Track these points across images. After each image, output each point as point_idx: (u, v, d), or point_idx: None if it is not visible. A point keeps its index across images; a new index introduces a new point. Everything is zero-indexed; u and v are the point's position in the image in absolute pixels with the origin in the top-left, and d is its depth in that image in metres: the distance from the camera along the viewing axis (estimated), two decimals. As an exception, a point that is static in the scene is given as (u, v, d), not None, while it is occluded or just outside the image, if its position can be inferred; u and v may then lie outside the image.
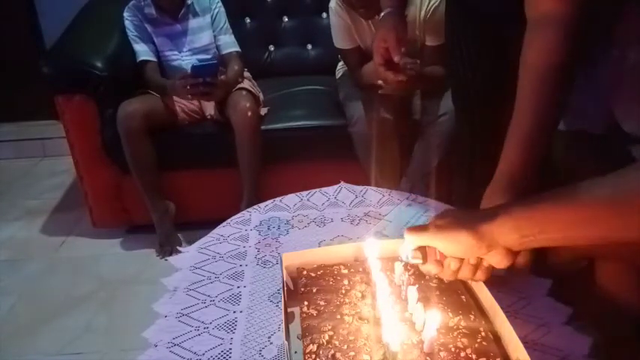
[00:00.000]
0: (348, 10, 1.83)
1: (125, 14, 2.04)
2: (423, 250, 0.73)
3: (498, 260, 0.68)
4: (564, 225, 0.61)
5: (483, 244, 0.66)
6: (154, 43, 2.05)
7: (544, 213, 0.63)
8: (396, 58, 1.21)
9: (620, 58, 0.83)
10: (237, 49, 2.14)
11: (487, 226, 0.66)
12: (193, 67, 1.87)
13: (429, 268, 0.73)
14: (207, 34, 2.10)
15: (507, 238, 0.65)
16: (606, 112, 0.88)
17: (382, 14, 1.27)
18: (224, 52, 2.11)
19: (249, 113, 1.90)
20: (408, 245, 0.73)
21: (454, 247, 0.69)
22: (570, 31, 0.83)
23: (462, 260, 0.71)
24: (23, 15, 2.74)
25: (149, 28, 2.04)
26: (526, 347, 0.63)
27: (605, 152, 0.90)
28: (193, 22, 2.07)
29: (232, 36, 2.15)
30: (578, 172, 0.90)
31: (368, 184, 1.18)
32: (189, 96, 1.89)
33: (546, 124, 0.85)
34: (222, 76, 1.95)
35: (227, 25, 2.14)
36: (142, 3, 2.03)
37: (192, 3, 2.06)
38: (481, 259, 0.70)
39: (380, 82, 1.55)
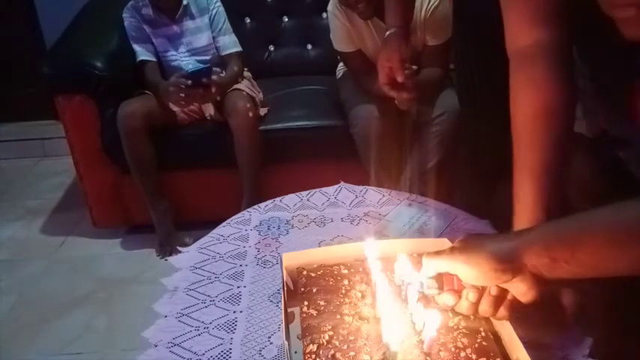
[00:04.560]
0: (347, 14, 1.83)
1: (124, 15, 2.04)
2: (440, 278, 0.65)
3: (524, 291, 0.59)
4: (598, 248, 0.56)
5: (508, 268, 0.58)
6: (152, 43, 2.05)
7: (577, 232, 0.57)
8: (399, 79, 1.25)
9: (599, 65, 0.82)
10: (238, 49, 2.11)
11: (513, 246, 0.58)
12: (189, 74, 1.87)
13: (445, 299, 0.65)
14: (206, 35, 2.08)
15: (536, 261, 0.57)
16: (594, 116, 0.89)
17: (387, 34, 1.31)
18: (224, 53, 2.09)
19: (247, 114, 1.89)
20: (424, 273, 0.66)
21: (474, 272, 0.60)
22: (556, 61, 0.75)
23: (481, 291, 0.63)
24: (23, 15, 2.74)
25: (147, 28, 2.03)
26: (526, 347, 0.62)
27: (596, 154, 0.90)
28: (190, 23, 2.05)
29: (233, 35, 2.12)
30: (571, 173, 0.90)
31: (368, 184, 1.18)
32: (183, 102, 1.89)
33: (555, 164, 0.74)
34: (214, 76, 1.93)
35: (226, 25, 2.11)
36: (140, 3, 2.02)
37: (189, 4, 2.03)
38: (504, 291, 0.61)
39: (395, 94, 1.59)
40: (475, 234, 0.67)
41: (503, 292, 0.61)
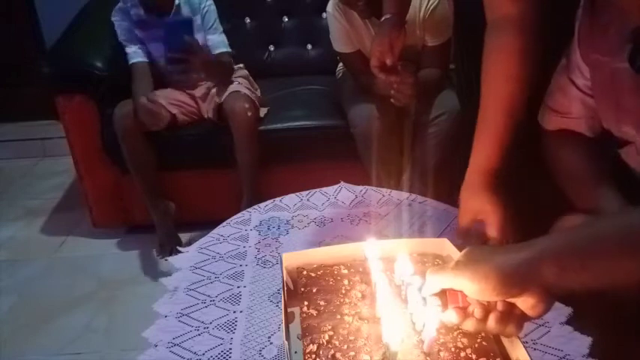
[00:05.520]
0: (346, 14, 1.83)
1: (113, 18, 1.97)
2: (443, 294, 0.62)
3: (532, 305, 0.56)
4: (609, 255, 0.54)
5: (516, 281, 0.55)
6: (144, 44, 1.99)
7: (587, 241, 0.55)
8: (388, 62, 1.30)
9: (599, 65, 0.82)
10: (228, 49, 2.05)
11: (522, 258, 0.56)
12: (168, 25, 1.82)
13: (450, 317, 0.61)
14: (200, 36, 2.00)
15: (545, 272, 0.54)
16: (593, 115, 0.89)
17: (381, 20, 1.34)
18: (214, 52, 2.03)
19: (246, 115, 1.88)
20: (427, 289, 0.63)
21: (479, 287, 0.57)
22: (528, 37, 0.84)
23: (488, 307, 0.60)
24: (23, 15, 2.74)
25: (139, 33, 1.97)
26: (526, 347, 0.62)
27: (596, 154, 0.90)
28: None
29: (222, 35, 2.05)
30: (570, 173, 0.90)
31: (369, 184, 1.18)
32: (160, 123, 1.85)
33: (513, 124, 0.86)
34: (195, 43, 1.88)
35: (216, 24, 2.05)
36: (129, 4, 1.96)
37: (180, 4, 1.97)
38: (512, 306, 0.59)
39: (392, 92, 1.61)
40: (478, 246, 0.65)
41: (510, 308, 0.59)
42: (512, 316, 0.59)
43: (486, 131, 0.88)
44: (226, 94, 1.94)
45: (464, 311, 0.61)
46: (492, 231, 0.87)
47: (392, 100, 1.64)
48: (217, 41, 2.05)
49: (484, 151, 0.88)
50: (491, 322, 0.59)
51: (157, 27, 1.96)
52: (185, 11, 2.00)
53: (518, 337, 0.63)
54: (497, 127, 0.87)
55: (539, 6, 0.85)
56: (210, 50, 2.03)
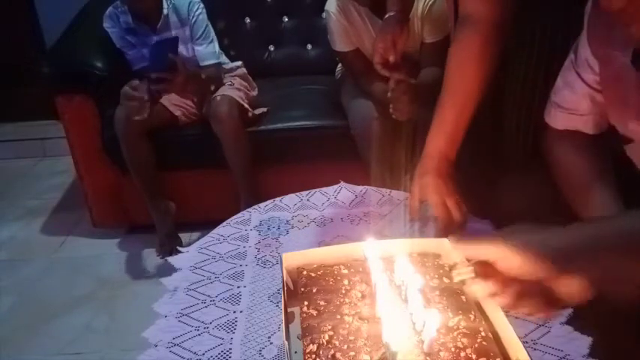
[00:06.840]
0: (345, 12, 1.82)
1: (105, 25, 1.94)
2: (478, 266, 0.62)
3: (576, 289, 0.55)
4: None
5: (556, 265, 0.54)
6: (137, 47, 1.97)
7: (621, 229, 0.55)
8: (391, 58, 1.33)
9: (609, 59, 0.82)
10: (216, 60, 1.99)
11: (581, 235, 0.55)
12: (154, 46, 1.77)
13: (477, 289, 0.60)
14: (190, 46, 1.98)
15: (606, 255, 0.54)
16: (601, 112, 0.88)
17: (385, 17, 1.37)
18: (201, 64, 1.98)
19: (229, 120, 1.86)
20: (457, 256, 0.64)
21: (518, 263, 0.55)
22: (490, 37, 0.93)
23: (524, 285, 0.58)
24: (23, 15, 2.74)
25: (130, 39, 1.95)
26: (526, 347, 0.62)
27: (598, 154, 0.89)
28: (172, 35, 1.93)
29: (212, 46, 1.99)
30: (571, 171, 0.90)
31: (369, 184, 1.18)
32: (145, 115, 1.76)
33: (469, 114, 0.98)
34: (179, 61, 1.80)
35: (206, 33, 1.98)
36: (118, 10, 1.93)
37: (168, 14, 1.94)
38: (549, 289, 0.57)
39: (391, 110, 1.63)
40: (523, 225, 0.63)
41: (548, 290, 0.57)
42: (550, 298, 0.57)
43: (439, 124, 1.01)
44: (215, 96, 1.92)
45: (497, 285, 0.59)
46: (436, 210, 0.94)
47: (393, 116, 1.65)
48: (205, 52, 1.99)
49: (438, 139, 0.99)
50: (525, 302, 0.58)
51: (145, 35, 1.94)
52: (173, 20, 1.96)
53: (518, 338, 0.63)
54: (450, 119, 0.99)
55: (508, 10, 0.92)
56: (198, 62, 1.98)
